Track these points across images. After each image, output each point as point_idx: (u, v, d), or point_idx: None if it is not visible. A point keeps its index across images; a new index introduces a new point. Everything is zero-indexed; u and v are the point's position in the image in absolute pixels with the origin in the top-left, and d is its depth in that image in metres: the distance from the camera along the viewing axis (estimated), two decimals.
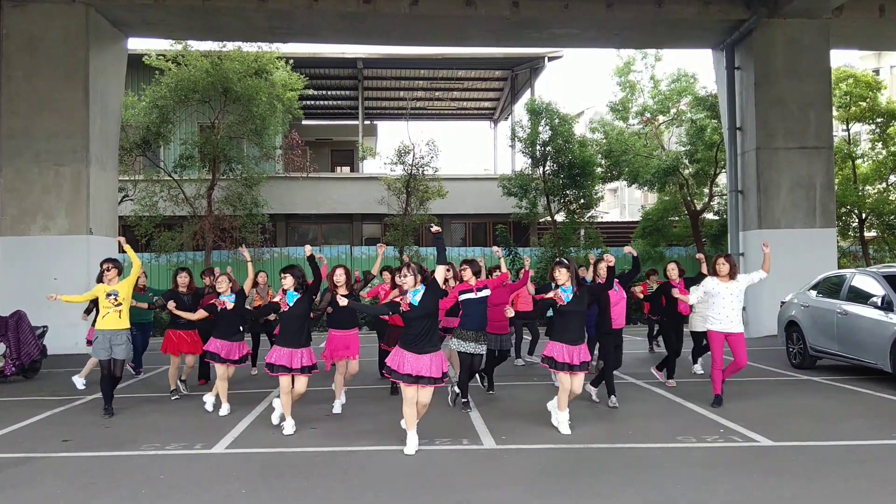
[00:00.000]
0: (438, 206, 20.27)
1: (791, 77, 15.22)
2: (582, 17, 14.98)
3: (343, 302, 5.92)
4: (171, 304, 8.03)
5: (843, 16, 15.28)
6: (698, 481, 4.97)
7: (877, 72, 28.80)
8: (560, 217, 20.77)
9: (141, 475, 5.29)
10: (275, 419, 6.90)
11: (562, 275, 6.49)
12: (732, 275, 7.46)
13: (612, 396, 7.59)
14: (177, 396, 8.53)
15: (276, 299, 6.80)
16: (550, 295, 6.55)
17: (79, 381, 8.93)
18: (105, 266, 7.54)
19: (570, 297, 6.45)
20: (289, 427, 6.55)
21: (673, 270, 9.06)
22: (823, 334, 9.53)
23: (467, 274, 7.45)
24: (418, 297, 5.76)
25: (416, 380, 5.70)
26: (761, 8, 14.77)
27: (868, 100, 20.08)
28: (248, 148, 20.22)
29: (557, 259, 6.80)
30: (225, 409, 7.49)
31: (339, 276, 7.65)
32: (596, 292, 7.28)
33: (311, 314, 6.84)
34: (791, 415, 7.08)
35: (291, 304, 6.57)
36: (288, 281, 6.57)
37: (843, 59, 30.46)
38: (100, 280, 7.66)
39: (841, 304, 9.24)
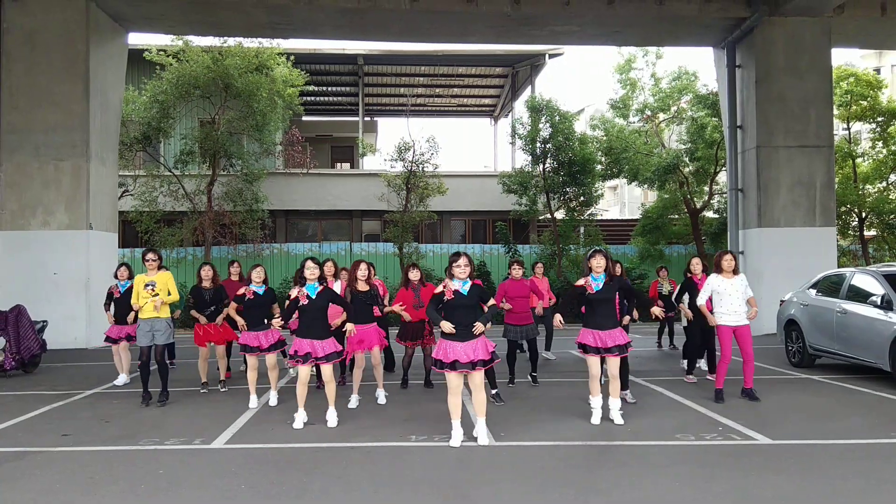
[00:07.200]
0: (438, 202, 20.27)
1: (792, 75, 15.22)
2: (583, 14, 14.97)
3: (448, 327, 5.88)
4: (193, 313, 8.64)
5: (845, 14, 15.26)
6: (696, 479, 4.98)
7: (878, 70, 28.83)
8: (560, 214, 20.77)
9: (140, 470, 5.29)
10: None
11: (600, 262, 6.61)
12: (736, 271, 7.75)
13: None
14: (205, 390, 8.61)
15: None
16: (581, 282, 6.70)
17: (122, 378, 9.28)
18: (149, 256, 7.82)
19: (601, 286, 6.61)
20: (299, 421, 6.60)
21: (697, 265, 8.94)
22: (823, 333, 9.53)
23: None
24: (467, 288, 5.99)
25: (471, 366, 5.85)
26: (762, 6, 14.73)
27: (869, 99, 20.08)
28: (248, 144, 20.22)
29: (597, 248, 6.86)
30: (253, 402, 7.63)
31: (363, 270, 7.78)
32: (626, 288, 7.36)
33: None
34: (790, 413, 7.09)
35: (314, 297, 6.60)
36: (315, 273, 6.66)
37: (844, 58, 30.44)
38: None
39: (840, 302, 9.24)
